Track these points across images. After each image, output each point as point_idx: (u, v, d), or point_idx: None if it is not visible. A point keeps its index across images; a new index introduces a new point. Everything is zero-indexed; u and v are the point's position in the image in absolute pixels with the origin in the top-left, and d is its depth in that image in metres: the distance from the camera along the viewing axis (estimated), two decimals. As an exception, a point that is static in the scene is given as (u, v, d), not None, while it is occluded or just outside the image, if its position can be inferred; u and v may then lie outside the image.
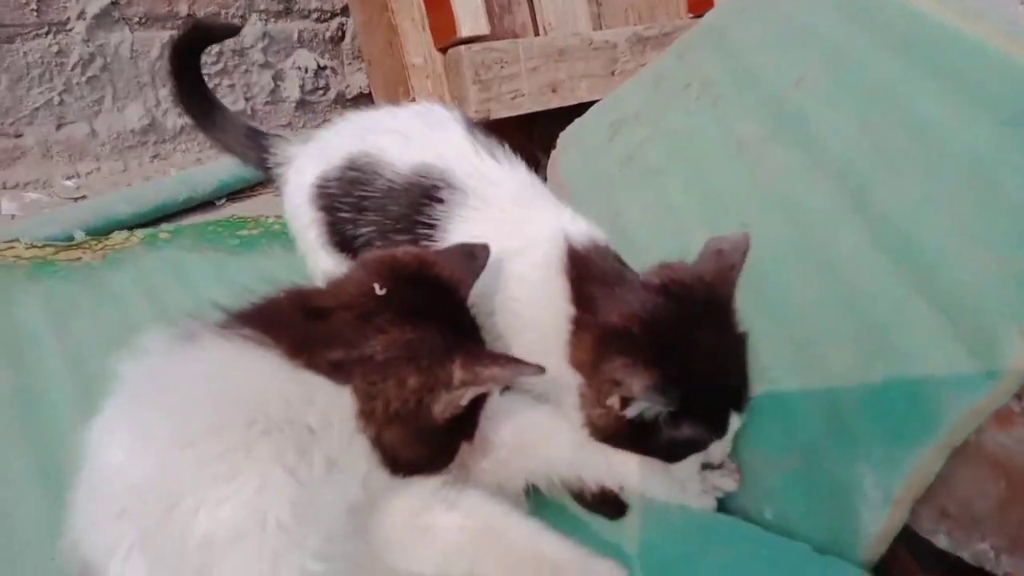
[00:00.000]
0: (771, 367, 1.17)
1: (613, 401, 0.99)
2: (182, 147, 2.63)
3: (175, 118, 2.58)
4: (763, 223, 1.24)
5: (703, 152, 1.47)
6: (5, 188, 2.17)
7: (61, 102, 2.27)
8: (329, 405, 0.86)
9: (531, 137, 2.56)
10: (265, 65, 2.82)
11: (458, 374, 0.90)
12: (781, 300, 1.17)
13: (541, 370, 0.91)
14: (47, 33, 2.20)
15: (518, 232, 1.18)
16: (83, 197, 2.25)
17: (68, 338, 1.48)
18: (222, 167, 2.34)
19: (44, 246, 1.75)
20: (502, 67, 2.11)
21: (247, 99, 2.81)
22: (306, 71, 2.95)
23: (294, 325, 0.89)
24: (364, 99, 3.08)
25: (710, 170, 1.42)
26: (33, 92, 2.21)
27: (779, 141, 1.31)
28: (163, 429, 0.81)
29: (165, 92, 2.53)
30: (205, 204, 2.34)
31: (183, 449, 0.80)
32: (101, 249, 1.81)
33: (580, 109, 2.07)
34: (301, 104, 2.96)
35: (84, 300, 1.61)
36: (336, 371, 0.87)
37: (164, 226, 2.02)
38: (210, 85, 2.66)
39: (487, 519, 0.99)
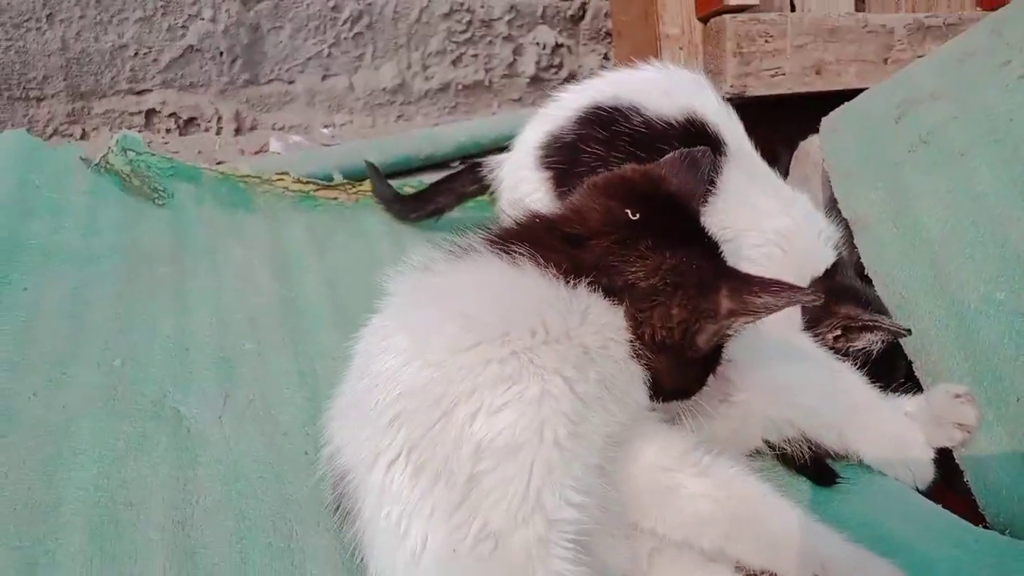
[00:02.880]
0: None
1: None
2: (424, 110, 2.73)
3: (422, 82, 2.69)
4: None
5: (1029, 133, 1.25)
6: (274, 129, 2.36)
7: (329, 55, 2.43)
8: (604, 325, 0.82)
9: (777, 128, 2.39)
10: (508, 38, 2.86)
11: (725, 304, 0.83)
12: None
13: (819, 297, 0.87)
14: (326, -13, 2.37)
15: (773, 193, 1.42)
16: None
17: (325, 263, 1.56)
18: (461, 129, 2.39)
19: (307, 182, 1.85)
20: (766, 41, 1.97)
21: (487, 71, 2.87)
22: (544, 47, 2.96)
23: (558, 250, 0.85)
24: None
25: (1039, 152, 1.21)
26: (308, 43, 2.38)
27: None
28: (445, 334, 0.78)
29: (417, 56, 2.64)
30: (440, 165, 2.40)
31: (466, 351, 0.77)
32: (355, 193, 1.90)
33: (836, 101, 1.87)
34: (534, 80, 2.98)
35: (339, 233, 1.70)
36: (608, 294, 0.83)
37: (410, 180, 2.08)
38: (456, 54, 2.77)
39: (743, 495, 0.90)
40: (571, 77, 3.03)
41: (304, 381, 1.21)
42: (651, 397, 0.88)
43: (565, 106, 1.45)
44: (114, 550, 0.89)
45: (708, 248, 0.91)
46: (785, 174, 2.13)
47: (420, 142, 2.29)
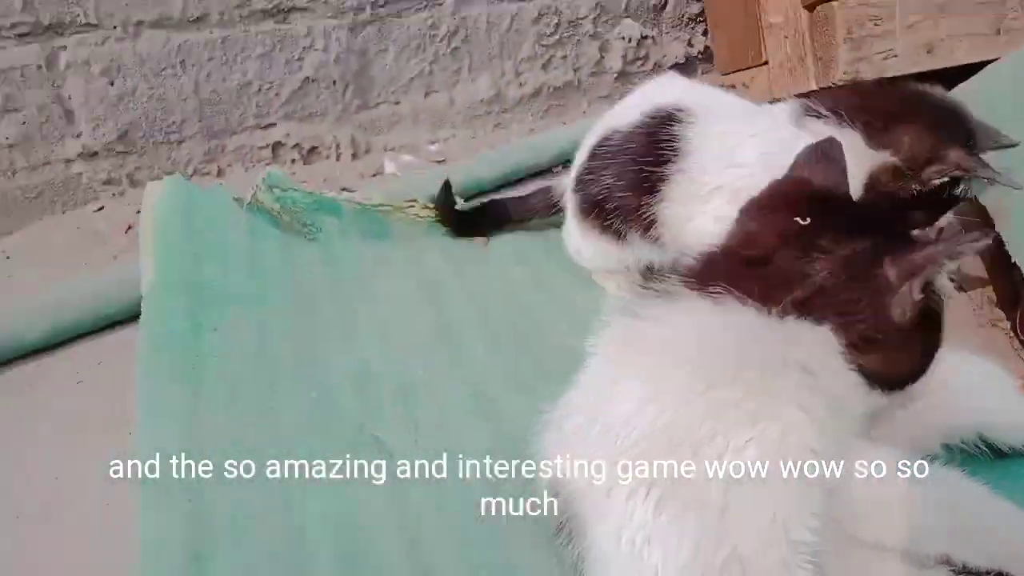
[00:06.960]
0: None
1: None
2: (519, 117, 2.78)
3: (516, 89, 2.74)
4: None
5: None
6: (386, 150, 2.46)
7: (430, 72, 2.50)
8: (814, 341, 0.84)
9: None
10: (594, 36, 2.88)
11: (891, 272, 0.85)
12: None
13: (988, 237, 0.87)
14: (424, 7, 2.45)
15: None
16: (442, 161, 2.48)
17: (467, 288, 1.64)
18: (561, 134, 2.43)
19: (433, 208, 1.89)
20: (876, 24, 1.95)
21: (575, 71, 2.89)
22: (629, 40, 2.97)
23: (747, 277, 0.88)
24: (680, 68, 3.03)
25: None
26: (411, 63, 2.46)
27: None
28: (678, 380, 0.83)
29: (510, 64, 2.69)
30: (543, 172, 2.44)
31: (702, 395, 0.81)
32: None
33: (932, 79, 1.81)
34: (621, 75, 2.99)
35: (472, 259, 1.78)
36: (805, 312, 0.85)
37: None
38: (545, 57, 2.81)
39: (966, 500, 0.93)
40: (657, 67, 3.03)
41: (479, 407, 1.28)
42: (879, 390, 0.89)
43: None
44: (361, 572, 0.99)
45: (871, 229, 0.91)
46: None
47: (524, 153, 2.34)
